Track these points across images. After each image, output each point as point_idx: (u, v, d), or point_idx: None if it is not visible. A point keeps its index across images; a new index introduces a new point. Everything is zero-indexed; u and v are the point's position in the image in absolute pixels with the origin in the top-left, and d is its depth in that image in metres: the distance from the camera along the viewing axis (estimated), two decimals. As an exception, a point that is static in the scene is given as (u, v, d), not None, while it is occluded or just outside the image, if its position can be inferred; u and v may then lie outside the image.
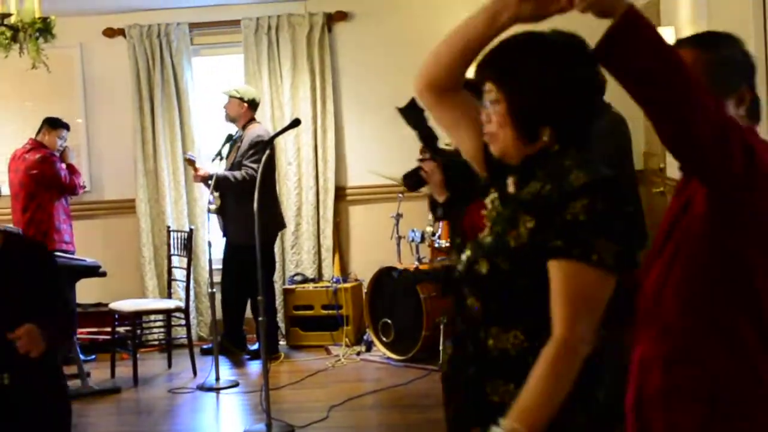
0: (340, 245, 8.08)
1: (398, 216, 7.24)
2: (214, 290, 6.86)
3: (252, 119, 7.27)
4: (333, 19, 7.98)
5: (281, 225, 7.45)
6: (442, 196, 4.48)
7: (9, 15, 5.76)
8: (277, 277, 7.76)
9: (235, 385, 6.62)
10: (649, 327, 2.25)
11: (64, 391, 3.61)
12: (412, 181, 4.68)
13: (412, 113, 4.58)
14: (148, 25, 7.96)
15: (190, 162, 7.23)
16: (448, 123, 2.33)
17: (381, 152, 7.64)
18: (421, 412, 5.71)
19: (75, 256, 7.07)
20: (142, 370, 6.90)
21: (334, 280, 7.67)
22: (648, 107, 1.98)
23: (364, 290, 7.38)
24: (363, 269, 7.68)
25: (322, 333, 7.56)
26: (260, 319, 5.49)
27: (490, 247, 2.10)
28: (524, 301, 2.07)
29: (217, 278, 7.31)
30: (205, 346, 7.52)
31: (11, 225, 6.85)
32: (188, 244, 7.20)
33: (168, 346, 7.26)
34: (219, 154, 7.30)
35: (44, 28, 5.88)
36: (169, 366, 7.20)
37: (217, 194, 7.01)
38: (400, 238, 7.27)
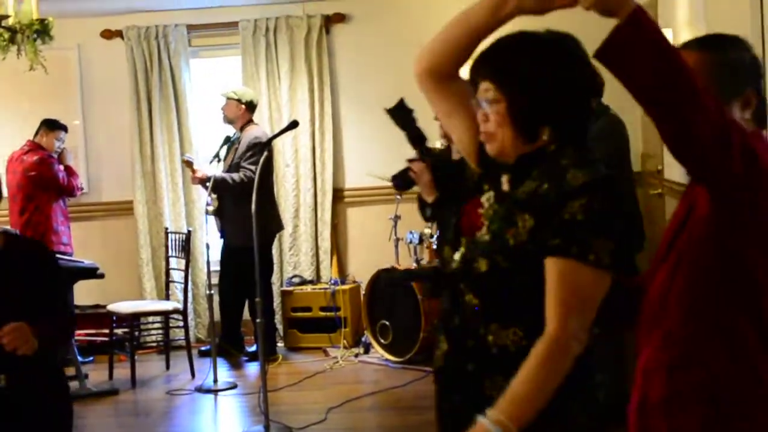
0: (338, 247, 8.08)
1: (396, 218, 7.25)
2: (212, 292, 6.86)
3: (250, 121, 7.27)
4: (331, 20, 7.98)
5: (279, 227, 7.45)
6: (431, 196, 4.48)
7: (7, 17, 5.76)
8: (275, 278, 7.76)
9: (233, 386, 6.62)
10: (653, 334, 2.25)
11: (66, 392, 3.59)
12: (401, 181, 4.68)
13: (400, 114, 4.58)
14: (146, 26, 7.96)
15: (188, 164, 7.23)
16: (445, 110, 2.33)
17: (379, 154, 7.63)
18: (420, 413, 5.71)
19: (73, 258, 7.06)
20: (140, 372, 6.90)
21: (332, 281, 7.67)
22: (650, 108, 1.98)
23: (362, 292, 7.38)
24: (361, 271, 7.68)
25: (320, 335, 7.56)
26: (258, 320, 5.49)
27: (489, 245, 2.11)
28: (523, 299, 2.08)
29: (215, 280, 7.32)
30: (203, 348, 7.53)
31: (8, 227, 6.85)
32: (186, 246, 7.19)
33: (166, 348, 7.25)
34: (217, 155, 7.30)
35: (42, 30, 5.88)
36: (167, 368, 7.19)
37: (214, 196, 7.00)
38: (398, 239, 7.27)
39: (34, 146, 7.41)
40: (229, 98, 7.22)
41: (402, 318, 6.93)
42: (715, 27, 4.66)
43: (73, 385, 6.31)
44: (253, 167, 6.77)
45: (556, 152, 2.13)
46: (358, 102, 7.93)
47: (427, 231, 6.93)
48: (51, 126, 7.48)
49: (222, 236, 7.27)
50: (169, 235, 7.54)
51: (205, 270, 7.70)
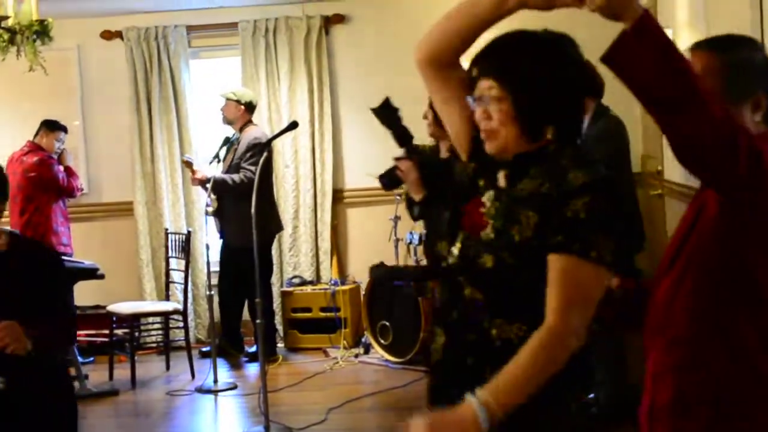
0: (338, 248, 8.08)
1: (396, 218, 7.25)
2: (212, 292, 6.86)
3: (249, 121, 7.27)
4: (330, 21, 7.98)
5: (278, 227, 7.45)
6: (419, 194, 4.48)
7: (6, 17, 5.75)
8: (275, 279, 7.76)
9: (233, 387, 6.62)
10: (660, 338, 2.25)
11: (69, 393, 3.57)
12: (388, 180, 4.69)
13: (385, 113, 4.59)
14: (146, 27, 7.97)
15: (187, 164, 7.23)
16: (443, 98, 2.34)
17: (378, 154, 7.58)
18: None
19: (73, 259, 7.06)
20: (140, 373, 6.90)
21: (332, 282, 7.67)
22: (656, 113, 1.98)
23: (362, 293, 7.38)
24: (361, 272, 7.68)
25: (320, 335, 7.57)
26: (258, 321, 5.49)
27: (494, 242, 2.12)
28: (529, 295, 2.09)
29: (215, 280, 7.32)
30: (204, 349, 7.52)
31: (8, 228, 6.84)
32: (186, 247, 7.19)
33: (166, 349, 7.25)
34: (217, 156, 7.30)
35: (41, 31, 5.87)
36: (167, 368, 7.20)
37: (214, 197, 7.00)
38: (398, 240, 7.27)
39: (34, 147, 7.41)
40: (228, 99, 7.22)
41: (402, 318, 6.93)
42: (715, 27, 4.66)
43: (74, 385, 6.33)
44: (252, 168, 6.77)
45: (555, 152, 2.15)
46: (358, 103, 7.92)
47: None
48: (51, 127, 7.48)
49: (221, 237, 7.27)
50: (169, 235, 7.54)
51: (205, 271, 7.70)
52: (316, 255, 8.02)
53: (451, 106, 2.32)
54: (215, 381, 6.62)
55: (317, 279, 7.96)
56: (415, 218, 4.91)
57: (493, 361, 2.10)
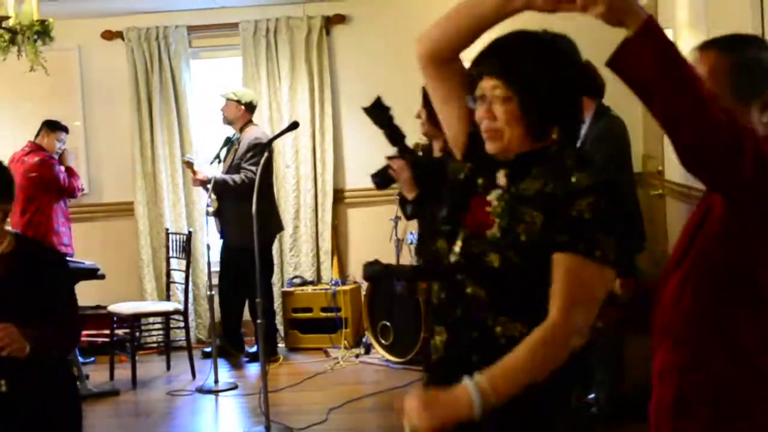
0: (339, 248, 8.08)
1: (397, 218, 7.24)
2: (213, 293, 6.87)
3: (249, 121, 7.27)
4: (331, 21, 7.98)
5: (279, 227, 7.45)
6: (412, 193, 4.48)
7: (7, 18, 5.76)
8: (275, 279, 7.77)
9: (234, 387, 6.62)
10: (666, 338, 2.26)
11: (72, 394, 3.55)
12: (381, 179, 4.69)
13: (376, 112, 4.60)
14: (147, 27, 7.97)
15: (188, 164, 7.23)
16: (442, 97, 2.34)
17: (379, 155, 7.59)
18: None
19: (74, 259, 7.06)
20: (140, 373, 6.90)
21: (333, 282, 7.67)
22: (661, 118, 1.99)
23: (363, 293, 7.38)
24: (361, 272, 7.67)
25: (321, 335, 7.57)
26: (259, 321, 5.49)
27: (501, 241, 2.13)
28: (533, 294, 2.10)
29: (216, 281, 7.32)
30: (207, 349, 7.52)
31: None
32: (187, 247, 7.20)
33: (167, 349, 7.26)
34: (218, 156, 7.31)
35: (42, 31, 5.88)
36: (168, 368, 7.20)
37: (214, 197, 7.00)
38: (399, 240, 7.27)
39: (35, 147, 7.41)
40: (228, 99, 7.23)
41: (403, 319, 6.93)
42: (715, 27, 4.66)
43: (74, 385, 6.33)
44: (253, 168, 6.77)
45: (558, 152, 2.17)
46: (359, 102, 7.81)
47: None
48: (52, 127, 7.48)
49: (222, 237, 7.27)
50: (170, 235, 7.54)
51: (206, 271, 7.69)
52: (317, 255, 8.03)
53: (450, 105, 2.32)
54: (216, 381, 6.62)
55: (318, 279, 7.96)
56: (408, 217, 4.90)
57: (497, 358, 2.10)
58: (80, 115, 8.17)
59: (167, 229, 7.75)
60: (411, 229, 7.08)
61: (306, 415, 5.80)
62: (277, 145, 7.57)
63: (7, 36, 5.83)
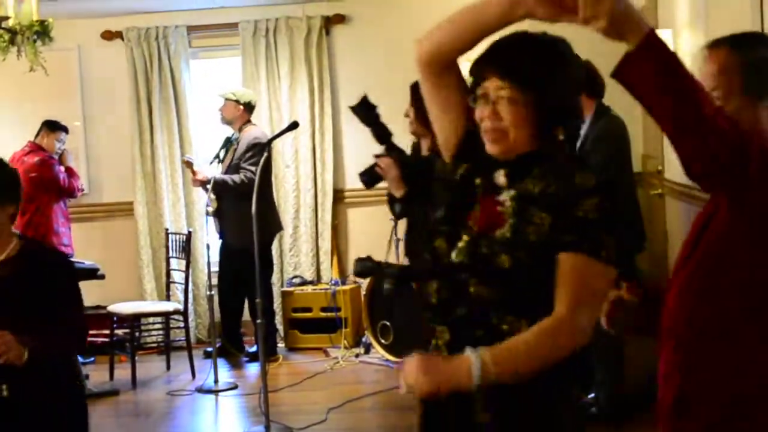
0: (339, 248, 8.08)
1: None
2: (213, 292, 6.87)
3: (248, 121, 7.27)
4: (331, 22, 7.98)
5: (278, 227, 7.45)
6: (400, 191, 4.48)
7: (7, 18, 5.76)
8: (275, 279, 7.77)
9: (234, 387, 6.62)
10: (670, 339, 2.26)
11: (77, 396, 3.53)
12: (369, 177, 4.69)
13: (363, 111, 4.60)
14: (146, 27, 7.97)
15: (188, 164, 7.24)
16: (440, 100, 2.33)
17: (379, 154, 7.62)
18: (420, 414, 5.70)
19: (73, 259, 7.05)
20: (140, 373, 6.90)
21: (333, 282, 7.67)
22: (666, 128, 2.00)
23: (363, 292, 7.38)
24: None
25: (321, 335, 7.57)
26: (258, 321, 5.49)
27: (511, 241, 2.14)
28: (540, 293, 2.11)
29: (216, 280, 7.32)
30: (209, 349, 7.52)
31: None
32: (186, 247, 7.20)
33: (166, 349, 7.26)
34: (217, 156, 7.31)
35: (42, 31, 5.88)
36: (168, 368, 7.20)
37: (213, 197, 7.00)
38: (398, 240, 7.26)
39: (34, 147, 7.41)
40: (227, 99, 7.23)
41: (402, 318, 6.92)
42: (715, 27, 4.66)
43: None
44: (253, 168, 6.77)
45: (557, 152, 2.19)
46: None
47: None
48: (52, 127, 7.48)
49: (221, 237, 7.27)
50: (170, 235, 7.54)
51: (206, 271, 7.70)
52: (317, 255, 8.03)
53: (447, 109, 2.32)
54: (216, 381, 6.62)
55: (318, 279, 7.96)
56: (397, 216, 4.89)
57: None
58: (80, 115, 8.17)
59: (167, 229, 7.75)
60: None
61: (306, 414, 5.80)
62: (277, 144, 7.57)
63: (6, 36, 5.84)
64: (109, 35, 8.11)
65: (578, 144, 4.91)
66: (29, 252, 3.34)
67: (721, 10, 4.71)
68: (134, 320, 7.03)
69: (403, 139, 5.08)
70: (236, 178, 7.01)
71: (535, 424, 2.17)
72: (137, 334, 7.21)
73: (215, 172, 7.18)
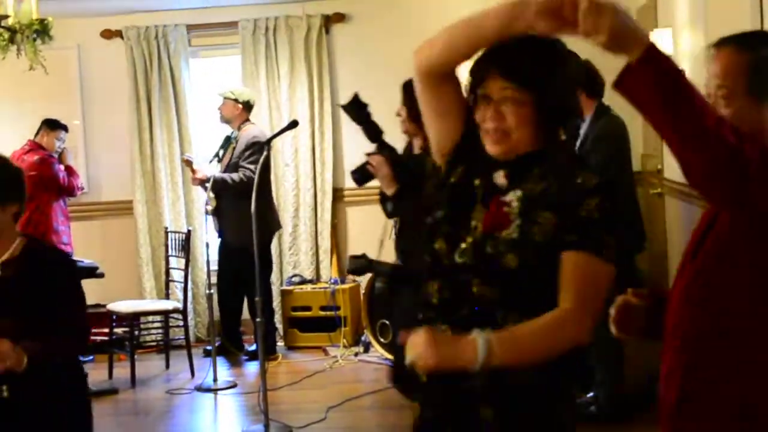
0: (338, 247, 8.08)
1: (396, 217, 7.24)
2: (212, 291, 6.87)
3: (246, 120, 7.27)
4: (331, 20, 7.98)
5: (277, 226, 7.45)
6: (391, 189, 4.48)
7: (6, 17, 5.77)
8: (274, 278, 7.77)
9: (233, 386, 6.63)
10: (675, 340, 2.26)
11: (79, 396, 3.51)
12: (360, 175, 4.70)
13: (354, 109, 4.61)
14: (146, 26, 7.96)
15: (187, 163, 7.25)
16: (437, 108, 2.33)
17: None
18: (419, 413, 5.70)
19: (73, 258, 7.06)
20: (139, 371, 6.90)
21: (332, 281, 7.67)
22: (666, 141, 2.01)
23: (362, 291, 7.38)
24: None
25: (320, 334, 7.56)
26: (258, 320, 5.50)
27: (518, 242, 2.15)
28: (545, 292, 2.12)
29: (215, 279, 7.32)
30: (208, 348, 7.52)
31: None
32: (186, 245, 7.20)
33: (166, 347, 7.26)
34: (217, 155, 7.31)
35: (41, 30, 5.88)
36: (167, 367, 7.20)
37: (212, 195, 7.00)
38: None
39: (34, 146, 7.42)
40: (226, 98, 7.23)
41: (402, 317, 6.91)
42: (715, 27, 4.66)
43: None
44: (252, 167, 6.78)
45: (556, 151, 2.20)
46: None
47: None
48: (51, 126, 7.49)
49: (220, 236, 7.28)
50: (169, 234, 7.54)
51: (205, 269, 7.70)
52: (316, 254, 8.03)
53: (444, 117, 2.32)
54: (215, 379, 6.63)
55: (317, 278, 7.96)
56: (389, 215, 4.88)
57: None
58: (79, 114, 8.17)
59: (166, 228, 7.75)
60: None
61: (305, 413, 5.80)
62: (277, 143, 7.57)
63: (6, 35, 5.84)
64: (108, 34, 8.11)
65: (578, 143, 4.92)
66: (33, 252, 3.31)
67: (721, 10, 4.71)
68: (133, 319, 7.03)
69: (402, 139, 5.08)
70: (235, 176, 7.01)
71: (536, 423, 2.17)
72: (136, 332, 7.21)
73: (215, 170, 7.19)
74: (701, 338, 2.19)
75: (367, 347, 7.32)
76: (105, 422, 6.08)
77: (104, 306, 7.28)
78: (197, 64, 8.29)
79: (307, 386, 6.56)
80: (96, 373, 7.00)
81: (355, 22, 8.01)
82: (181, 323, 7.25)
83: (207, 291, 6.92)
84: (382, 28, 7.88)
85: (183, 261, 7.24)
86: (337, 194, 8.05)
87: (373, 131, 4.67)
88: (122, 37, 8.04)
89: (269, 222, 7.16)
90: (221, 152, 7.28)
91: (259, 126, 7.43)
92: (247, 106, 7.25)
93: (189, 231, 7.29)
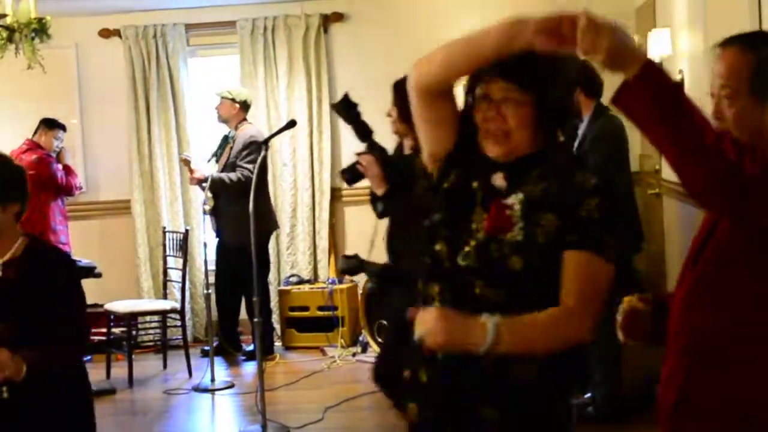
0: (336, 246, 8.08)
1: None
2: (210, 291, 6.86)
3: (244, 120, 7.27)
4: (329, 20, 7.97)
5: (274, 225, 7.45)
6: (381, 188, 4.48)
7: (5, 16, 5.76)
8: (272, 278, 7.76)
9: (231, 386, 6.62)
10: (677, 345, 2.26)
11: (81, 396, 3.49)
12: (350, 174, 4.69)
13: (344, 108, 4.62)
14: (144, 25, 7.96)
15: (185, 162, 7.25)
16: (433, 119, 2.33)
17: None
18: (417, 413, 5.69)
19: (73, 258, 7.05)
20: (137, 371, 6.89)
21: (330, 281, 7.67)
22: (664, 155, 2.02)
23: (360, 291, 7.37)
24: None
25: (318, 334, 7.56)
26: (255, 320, 5.49)
27: (522, 244, 2.15)
28: (549, 293, 2.13)
29: (213, 279, 7.31)
30: (206, 348, 7.51)
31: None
32: (184, 245, 7.19)
33: (163, 347, 7.25)
34: (215, 155, 7.30)
35: (40, 29, 5.87)
36: (165, 367, 7.19)
37: (210, 195, 7.00)
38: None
39: (32, 145, 7.41)
40: (223, 97, 7.23)
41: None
42: (714, 27, 4.66)
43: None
44: (250, 166, 6.77)
45: (559, 152, 2.22)
46: (356, 101, 7.90)
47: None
48: (49, 125, 7.48)
49: (218, 235, 7.27)
50: (167, 234, 7.54)
51: (203, 269, 7.67)
52: (314, 254, 8.02)
53: (440, 128, 2.32)
54: (212, 379, 6.62)
55: (315, 278, 7.95)
56: (379, 216, 4.87)
57: (512, 355, 2.14)
58: (77, 113, 8.16)
59: (164, 228, 7.74)
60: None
61: (302, 413, 5.80)
62: (275, 143, 7.56)
63: (4, 34, 5.83)
64: (106, 33, 8.10)
65: (576, 144, 4.92)
66: (34, 253, 3.27)
67: (720, 10, 4.71)
68: (131, 319, 7.01)
69: (393, 139, 5.07)
70: (233, 176, 7.00)
71: (536, 423, 2.17)
72: (134, 332, 7.19)
73: (212, 170, 7.18)
74: (702, 344, 2.19)
75: (364, 347, 7.31)
76: (102, 422, 6.03)
77: (102, 306, 7.27)
78: (195, 64, 8.29)
79: (305, 386, 6.55)
80: (94, 373, 6.94)
81: (353, 21, 8.01)
82: (178, 323, 7.24)
83: (205, 291, 6.91)
84: (381, 28, 7.88)
85: (181, 261, 7.23)
86: (335, 194, 8.05)
87: (362, 131, 4.68)
88: (120, 37, 8.03)
89: (267, 222, 7.16)
90: (219, 152, 7.28)
91: (256, 125, 7.43)
92: (245, 106, 7.25)
93: (187, 231, 7.28)
